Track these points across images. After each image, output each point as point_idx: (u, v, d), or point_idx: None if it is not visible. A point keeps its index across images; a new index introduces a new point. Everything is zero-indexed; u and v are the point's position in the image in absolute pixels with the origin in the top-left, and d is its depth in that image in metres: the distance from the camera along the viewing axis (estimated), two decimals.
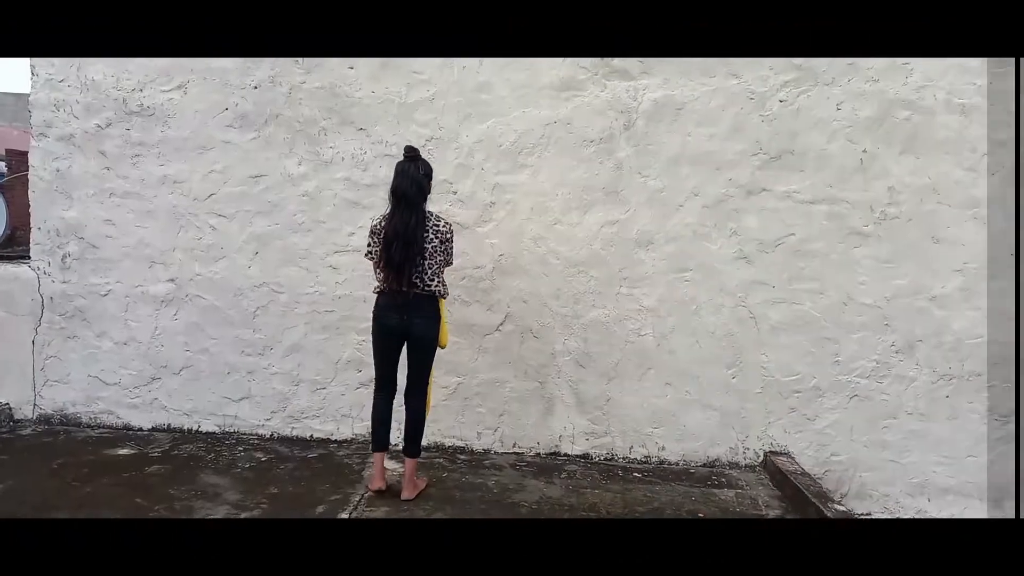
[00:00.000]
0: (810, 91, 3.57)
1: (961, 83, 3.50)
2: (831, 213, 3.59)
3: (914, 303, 3.58)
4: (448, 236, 3.01)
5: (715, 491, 3.36)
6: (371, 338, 3.06)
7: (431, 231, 2.94)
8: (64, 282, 3.94)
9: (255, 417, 3.91)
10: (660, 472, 3.62)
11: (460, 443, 3.83)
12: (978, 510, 3.57)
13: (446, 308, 3.15)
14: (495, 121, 3.70)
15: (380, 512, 2.95)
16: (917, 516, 3.60)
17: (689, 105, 3.62)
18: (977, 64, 3.49)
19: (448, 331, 3.20)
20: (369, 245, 3.04)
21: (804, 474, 3.42)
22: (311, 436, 3.89)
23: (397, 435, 3.86)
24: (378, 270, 3.00)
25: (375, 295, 3.04)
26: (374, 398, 3.10)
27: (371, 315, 3.03)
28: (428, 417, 3.18)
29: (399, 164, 2.98)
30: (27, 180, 3.95)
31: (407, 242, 2.87)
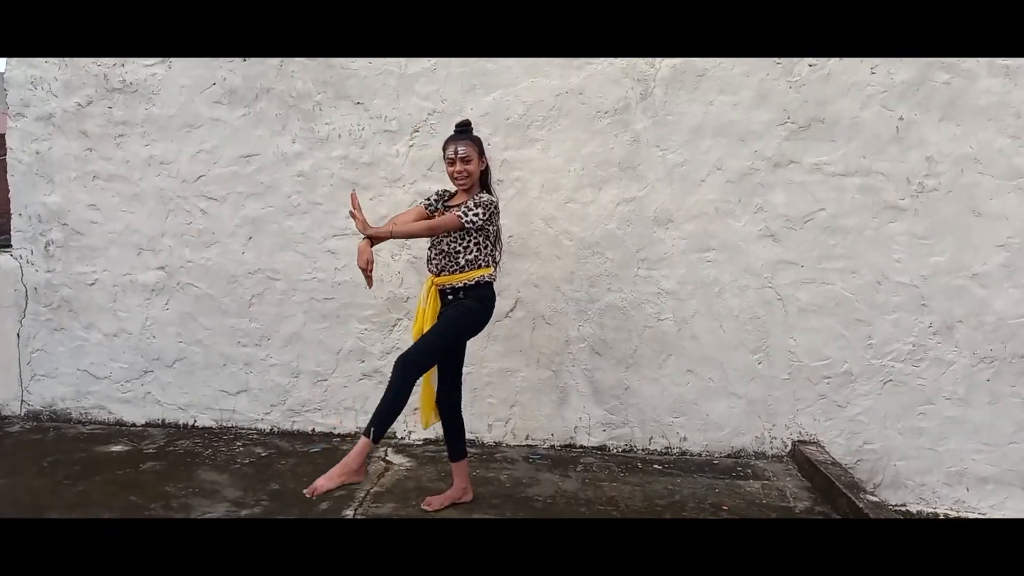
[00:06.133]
0: None
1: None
2: (864, 186, 3.42)
3: (953, 281, 3.41)
4: None
5: (740, 483, 3.28)
6: (463, 326, 2.70)
7: None
8: (48, 271, 3.81)
9: (254, 411, 3.80)
10: (682, 464, 3.52)
11: (470, 436, 3.65)
12: (1019, 500, 3.44)
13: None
14: (502, 92, 3.52)
15: (386, 509, 2.88)
16: (955, 506, 3.48)
17: (711, 71, 3.43)
18: None
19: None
20: (490, 224, 2.71)
21: (835, 464, 3.33)
22: (313, 430, 3.78)
23: (403, 427, 3.74)
24: (498, 253, 2.81)
25: (493, 281, 2.77)
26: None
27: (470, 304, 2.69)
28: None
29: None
30: (5, 163, 3.79)
31: None
